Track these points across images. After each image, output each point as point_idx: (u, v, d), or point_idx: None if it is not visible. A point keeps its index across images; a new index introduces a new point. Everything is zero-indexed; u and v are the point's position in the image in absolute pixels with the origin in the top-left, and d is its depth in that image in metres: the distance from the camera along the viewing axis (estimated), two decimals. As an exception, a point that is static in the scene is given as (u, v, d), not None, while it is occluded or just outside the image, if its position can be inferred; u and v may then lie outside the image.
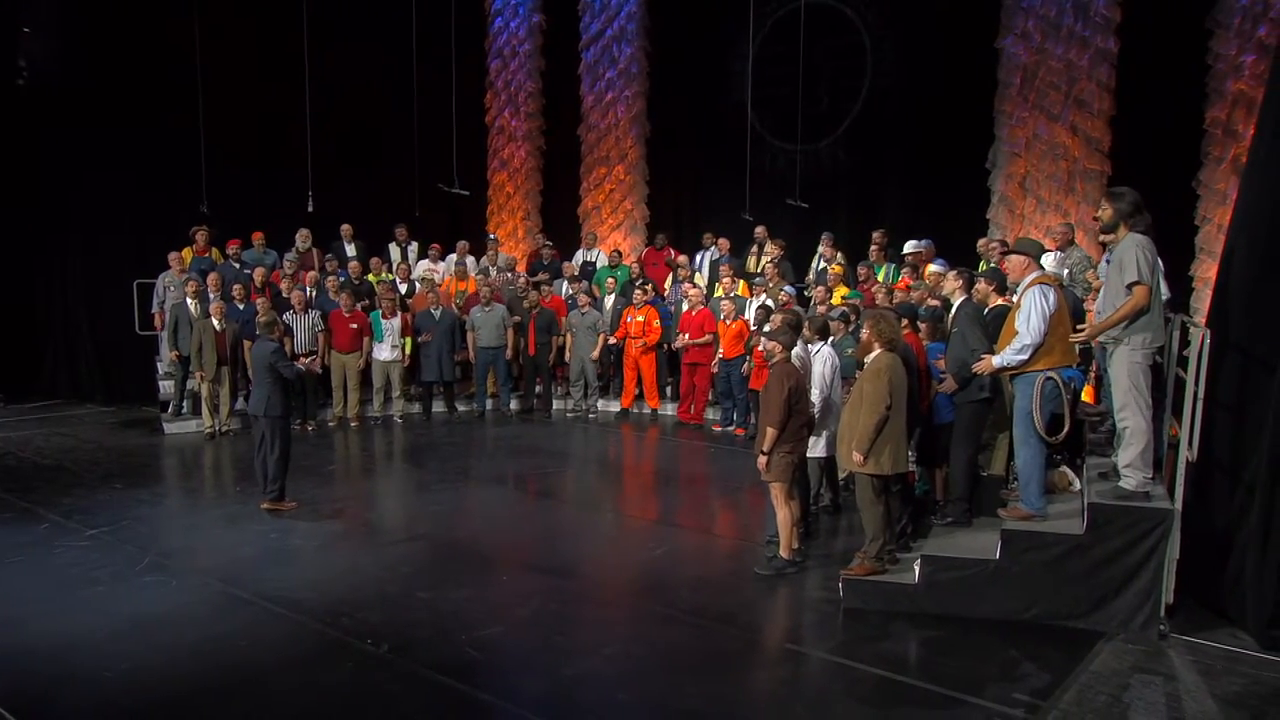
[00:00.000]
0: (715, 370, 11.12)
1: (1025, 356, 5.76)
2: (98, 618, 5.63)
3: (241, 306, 10.91)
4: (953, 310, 6.74)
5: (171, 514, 8.05)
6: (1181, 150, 10.29)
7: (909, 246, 10.35)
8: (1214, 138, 10.13)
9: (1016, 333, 5.80)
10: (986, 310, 6.68)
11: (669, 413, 12.05)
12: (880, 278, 10.49)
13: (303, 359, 9.48)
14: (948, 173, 11.86)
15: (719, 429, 11.23)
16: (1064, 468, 6.61)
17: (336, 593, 6.06)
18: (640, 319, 11.71)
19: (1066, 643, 5.42)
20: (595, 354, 11.94)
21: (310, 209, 11.96)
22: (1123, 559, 5.53)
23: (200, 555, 6.86)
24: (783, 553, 6.45)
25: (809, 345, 7.16)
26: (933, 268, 9.82)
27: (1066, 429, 5.80)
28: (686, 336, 11.26)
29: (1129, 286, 5.45)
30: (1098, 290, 6.76)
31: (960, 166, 11.72)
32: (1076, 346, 6.00)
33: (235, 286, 11.07)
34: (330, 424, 11.38)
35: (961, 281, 6.81)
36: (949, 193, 11.85)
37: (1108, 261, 6.00)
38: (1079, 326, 6.07)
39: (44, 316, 13.20)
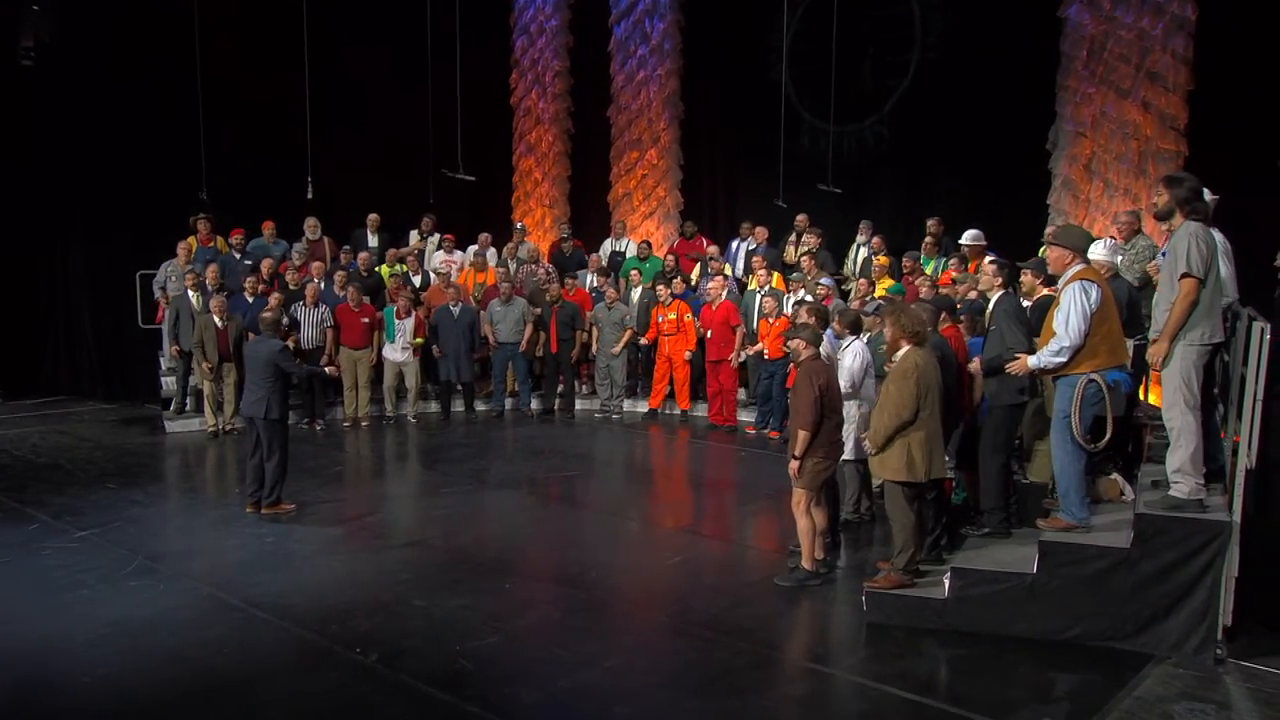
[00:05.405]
0: (734, 363, 11.17)
1: (1063, 359, 5.64)
2: (80, 621, 5.82)
3: (251, 300, 11.14)
4: (990, 305, 6.65)
5: (165, 516, 8.29)
6: (1266, 128, 10.02)
7: (967, 237, 10.15)
8: (1303, 113, 9.89)
9: (1055, 332, 5.72)
10: (1030, 302, 6.59)
11: (699, 414, 12.08)
12: (929, 270, 10.39)
13: (328, 368, 9.85)
14: (1003, 154, 11.69)
15: (753, 431, 11.23)
16: (1115, 475, 6.52)
17: (328, 599, 6.20)
18: (672, 316, 11.72)
19: (1109, 665, 5.36)
20: (616, 349, 12.00)
21: (310, 195, 12.14)
22: (1174, 575, 5.43)
23: (191, 559, 7.04)
24: (805, 564, 6.46)
25: (838, 339, 7.15)
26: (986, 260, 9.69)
27: (1108, 436, 5.70)
28: (711, 334, 11.31)
29: (1180, 280, 5.37)
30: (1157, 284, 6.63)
31: (1017, 148, 11.55)
32: (1127, 346, 5.90)
33: (248, 280, 11.32)
34: (344, 424, 11.58)
35: (994, 275, 6.62)
36: (1004, 176, 11.69)
37: (1164, 255, 5.91)
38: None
39: (44, 310, 13.59)
